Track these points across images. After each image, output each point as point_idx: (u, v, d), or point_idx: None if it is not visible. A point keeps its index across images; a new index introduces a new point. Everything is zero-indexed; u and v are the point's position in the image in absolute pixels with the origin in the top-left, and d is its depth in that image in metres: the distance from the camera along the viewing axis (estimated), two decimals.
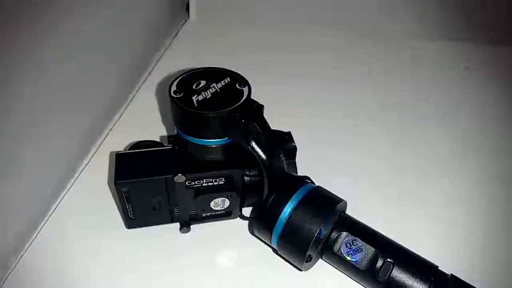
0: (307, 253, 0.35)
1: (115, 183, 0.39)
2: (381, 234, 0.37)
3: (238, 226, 0.44)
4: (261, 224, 0.37)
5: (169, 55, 0.70)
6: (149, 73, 0.65)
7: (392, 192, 0.49)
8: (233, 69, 0.40)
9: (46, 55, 0.42)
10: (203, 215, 0.43)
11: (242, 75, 0.40)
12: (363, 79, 0.66)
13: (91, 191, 0.47)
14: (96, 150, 0.52)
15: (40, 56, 0.41)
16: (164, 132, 0.54)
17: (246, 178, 0.42)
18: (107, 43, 0.55)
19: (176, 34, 0.75)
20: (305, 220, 0.35)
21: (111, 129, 0.55)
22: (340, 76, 0.67)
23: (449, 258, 0.38)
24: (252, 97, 0.38)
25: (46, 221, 0.44)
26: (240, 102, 0.36)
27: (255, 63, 0.68)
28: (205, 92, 0.37)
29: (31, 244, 0.42)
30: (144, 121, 0.56)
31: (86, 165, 0.50)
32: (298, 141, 0.43)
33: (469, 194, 0.49)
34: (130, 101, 0.60)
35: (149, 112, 0.57)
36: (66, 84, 0.46)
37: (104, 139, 0.54)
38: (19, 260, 0.41)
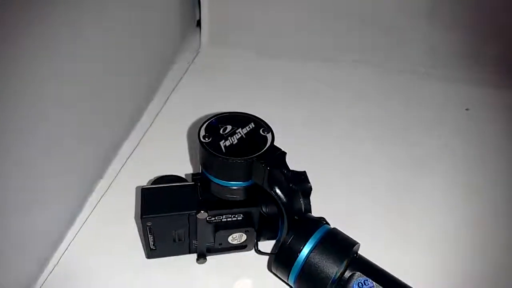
0: None
1: (141, 218, 0.41)
2: (390, 274, 0.40)
3: (253, 258, 0.47)
4: (280, 263, 0.40)
5: (183, 85, 0.72)
6: (163, 105, 0.68)
7: (391, 227, 0.52)
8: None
9: (60, 79, 0.43)
10: (220, 247, 0.45)
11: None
12: (367, 114, 0.70)
13: (110, 221, 0.49)
14: (114, 178, 0.54)
15: (52, 80, 0.42)
16: (181, 160, 0.57)
17: (263, 215, 0.44)
18: (124, 72, 0.57)
19: (192, 60, 0.78)
20: (322, 262, 0.37)
21: (129, 156, 0.58)
22: (344, 108, 0.71)
23: None
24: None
25: (66, 250, 0.46)
26: (265, 149, 0.39)
27: (266, 92, 0.72)
28: (232, 138, 0.40)
29: (51, 271, 0.44)
30: (160, 151, 0.59)
31: (103, 194, 0.53)
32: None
33: (468, 232, 0.52)
34: (147, 130, 0.62)
35: (165, 142, 0.60)
36: (80, 111, 0.48)
37: (122, 166, 0.56)
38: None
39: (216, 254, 0.46)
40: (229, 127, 0.41)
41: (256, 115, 0.44)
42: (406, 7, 0.73)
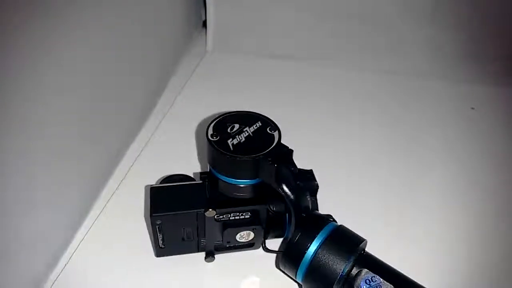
0: None
1: (151, 216, 0.41)
2: (398, 271, 0.40)
3: (260, 256, 0.47)
4: (288, 260, 0.40)
5: (191, 84, 0.73)
6: (171, 106, 0.68)
7: (395, 227, 0.52)
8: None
9: (68, 79, 0.44)
10: (228, 245, 0.46)
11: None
12: (372, 114, 0.70)
13: (119, 220, 0.50)
14: (124, 178, 0.55)
15: (63, 75, 0.43)
16: (189, 159, 0.57)
17: (270, 213, 0.45)
18: (132, 73, 0.58)
19: (199, 61, 0.79)
20: (330, 259, 0.38)
21: (138, 156, 0.58)
22: (349, 109, 0.71)
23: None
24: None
25: (76, 249, 0.47)
26: (272, 146, 0.40)
27: (272, 92, 0.73)
28: (239, 136, 0.41)
29: (62, 270, 0.45)
30: (168, 151, 0.59)
31: (113, 194, 0.53)
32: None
33: (471, 230, 0.52)
34: (155, 129, 0.63)
35: (173, 142, 0.61)
36: (90, 111, 0.49)
37: (131, 166, 0.57)
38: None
39: (224, 252, 0.47)
40: (236, 126, 0.42)
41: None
42: (408, 7, 0.73)
